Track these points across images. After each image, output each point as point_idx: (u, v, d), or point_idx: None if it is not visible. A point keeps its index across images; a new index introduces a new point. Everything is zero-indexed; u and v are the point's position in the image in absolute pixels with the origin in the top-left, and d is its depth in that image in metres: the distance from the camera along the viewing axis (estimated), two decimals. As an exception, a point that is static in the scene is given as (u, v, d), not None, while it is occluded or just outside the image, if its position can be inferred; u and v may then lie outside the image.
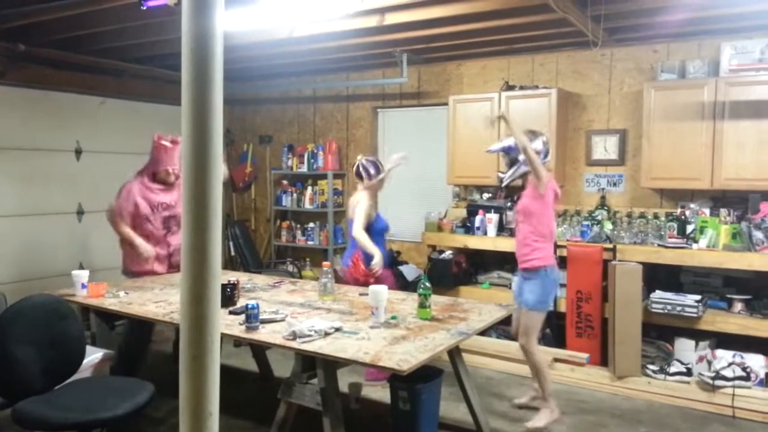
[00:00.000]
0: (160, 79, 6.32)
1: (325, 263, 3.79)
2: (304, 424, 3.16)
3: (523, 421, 3.83)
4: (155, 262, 4.35)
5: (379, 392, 4.15)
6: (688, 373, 4.17)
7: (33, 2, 4.09)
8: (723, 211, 4.40)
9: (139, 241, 4.22)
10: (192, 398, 1.20)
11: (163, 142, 4.29)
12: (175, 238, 4.39)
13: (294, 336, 2.79)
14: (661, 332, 4.47)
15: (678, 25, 4.35)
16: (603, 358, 4.49)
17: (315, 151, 6.70)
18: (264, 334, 2.92)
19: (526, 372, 4.44)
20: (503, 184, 4.01)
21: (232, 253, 6.82)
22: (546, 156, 3.85)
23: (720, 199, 4.57)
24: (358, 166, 4.42)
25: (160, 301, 3.60)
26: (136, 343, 4.00)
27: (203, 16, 1.16)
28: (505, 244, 4.89)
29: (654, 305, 4.28)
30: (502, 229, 5.18)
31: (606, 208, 4.99)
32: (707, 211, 4.50)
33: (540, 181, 3.66)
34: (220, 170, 1.18)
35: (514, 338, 4.04)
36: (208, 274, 1.18)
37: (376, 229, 4.32)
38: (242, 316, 3.05)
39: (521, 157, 3.74)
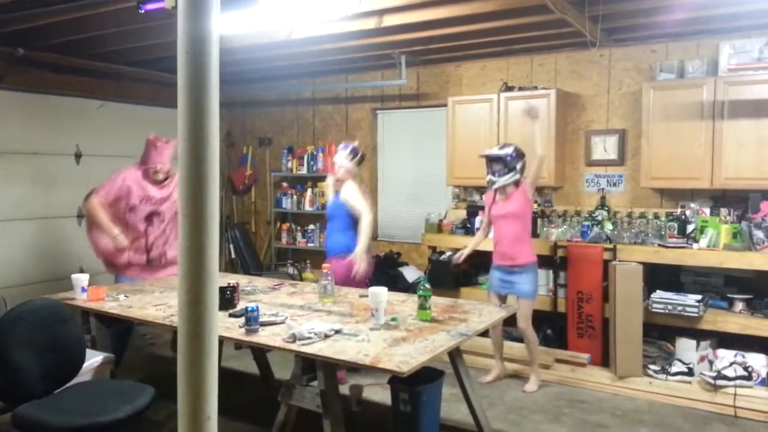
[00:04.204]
0: (158, 83, 6.33)
1: (325, 265, 3.79)
2: (304, 427, 3.16)
3: (523, 423, 3.83)
4: (132, 252, 4.50)
5: (380, 394, 4.15)
6: (690, 372, 4.16)
7: (32, 6, 4.09)
8: (723, 211, 4.39)
9: (116, 231, 4.37)
10: (190, 401, 1.20)
11: (156, 141, 4.47)
12: (154, 231, 4.54)
13: (294, 338, 2.78)
14: (662, 332, 4.46)
15: (676, 24, 4.35)
16: (604, 359, 4.48)
17: (315, 153, 6.70)
18: (264, 336, 2.91)
19: (525, 373, 4.47)
20: (495, 187, 4.28)
21: (233, 256, 6.81)
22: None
23: (720, 199, 4.57)
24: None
25: (160, 304, 3.60)
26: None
27: (199, 19, 1.16)
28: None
29: (655, 305, 4.27)
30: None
31: (606, 208, 4.99)
32: (707, 210, 4.50)
33: (532, 189, 4.24)
34: (216, 173, 1.18)
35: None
36: (205, 276, 1.18)
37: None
38: (242, 319, 3.04)
39: (518, 166, 4.19)
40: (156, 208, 4.53)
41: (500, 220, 4.30)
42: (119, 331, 4.23)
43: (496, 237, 4.37)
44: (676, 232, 4.46)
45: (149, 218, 4.52)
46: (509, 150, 4.21)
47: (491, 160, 4.26)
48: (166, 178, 4.58)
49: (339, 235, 4.45)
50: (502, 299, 4.35)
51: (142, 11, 3.48)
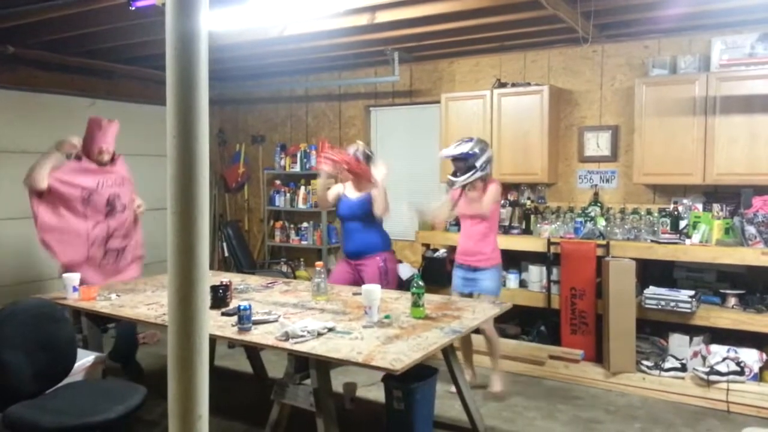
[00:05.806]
0: (149, 80, 6.29)
1: (318, 263, 3.77)
2: (298, 426, 3.15)
3: (516, 420, 3.83)
4: (93, 246, 4.18)
5: (374, 392, 4.14)
6: (683, 368, 4.17)
7: (21, 3, 4.05)
8: (716, 206, 4.41)
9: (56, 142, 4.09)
10: (181, 401, 1.19)
11: (99, 120, 4.29)
12: (115, 218, 4.26)
13: (287, 337, 2.77)
14: (655, 328, 4.47)
15: (668, 20, 4.36)
16: (597, 355, 4.49)
17: (308, 150, 6.68)
18: (257, 335, 2.90)
19: (519, 370, 4.48)
20: (455, 186, 4.16)
21: (226, 254, 6.79)
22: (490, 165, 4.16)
23: (712, 195, 4.58)
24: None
25: (151, 303, 3.58)
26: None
27: (187, 15, 1.14)
28: (499, 242, 4.87)
29: (648, 301, 4.28)
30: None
31: (599, 204, 5.00)
32: (700, 206, 4.51)
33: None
34: (206, 169, 1.16)
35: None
36: (195, 274, 1.17)
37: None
38: (235, 318, 3.03)
39: (478, 163, 4.01)
40: (117, 190, 4.27)
41: (467, 220, 4.22)
42: (126, 332, 4.39)
43: (462, 235, 4.30)
44: (668, 227, 4.47)
45: (110, 203, 4.23)
46: (466, 148, 4.04)
47: (453, 159, 4.13)
48: (112, 159, 4.34)
49: (365, 234, 4.28)
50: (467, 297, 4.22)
51: (133, 8, 3.46)
